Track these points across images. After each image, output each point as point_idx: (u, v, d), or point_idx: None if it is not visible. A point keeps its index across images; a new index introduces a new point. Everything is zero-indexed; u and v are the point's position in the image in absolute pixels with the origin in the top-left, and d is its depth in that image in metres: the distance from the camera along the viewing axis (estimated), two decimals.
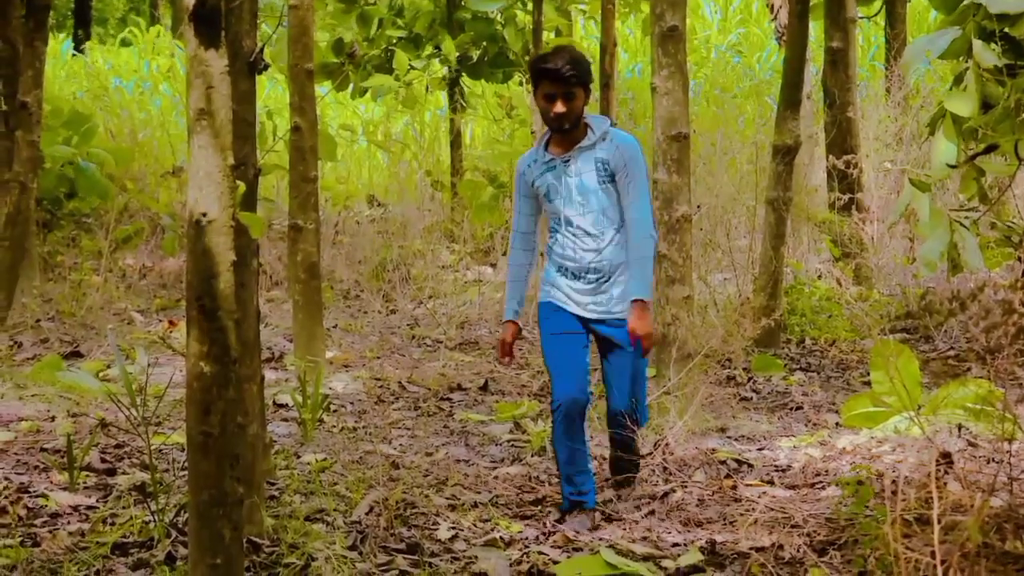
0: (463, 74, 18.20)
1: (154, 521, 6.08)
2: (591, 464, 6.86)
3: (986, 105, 8.02)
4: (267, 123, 9.34)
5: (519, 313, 7.00)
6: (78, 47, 30.52)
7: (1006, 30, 8.07)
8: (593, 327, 6.83)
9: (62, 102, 17.54)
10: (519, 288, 7.01)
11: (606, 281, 6.76)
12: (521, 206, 6.95)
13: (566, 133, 6.71)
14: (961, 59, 8.32)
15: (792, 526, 6.49)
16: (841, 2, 14.02)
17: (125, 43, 31.70)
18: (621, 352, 6.84)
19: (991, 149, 7.68)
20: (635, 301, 6.64)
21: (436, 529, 6.60)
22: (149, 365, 8.21)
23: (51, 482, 7.15)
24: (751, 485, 7.49)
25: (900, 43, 16.40)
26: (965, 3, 8.33)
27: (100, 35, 36.42)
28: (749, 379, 10.39)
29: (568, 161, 6.71)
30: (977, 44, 8.00)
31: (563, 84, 6.56)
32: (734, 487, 7.44)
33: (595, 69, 12.06)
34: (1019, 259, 8.40)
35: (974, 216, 8.14)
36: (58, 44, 28.21)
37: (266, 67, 5.85)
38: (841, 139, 14.18)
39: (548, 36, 15.94)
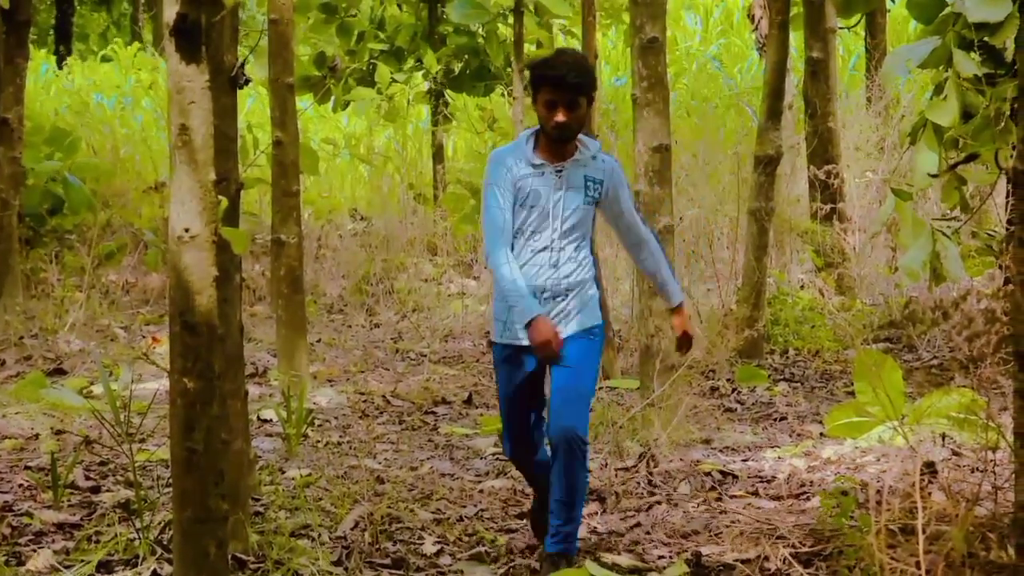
0: (445, 87, 18.21)
1: (139, 539, 6.06)
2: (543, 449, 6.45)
3: (966, 114, 8.05)
4: (248, 137, 9.34)
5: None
6: (60, 64, 30.48)
7: (985, 39, 8.10)
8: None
9: (43, 119, 17.52)
10: (526, 286, 6.10)
11: (563, 300, 6.16)
12: (506, 202, 6.15)
13: (564, 143, 6.14)
14: (941, 68, 8.34)
15: (777, 537, 6.49)
16: (821, 12, 14.05)
17: (106, 59, 31.66)
18: (575, 344, 6.16)
19: (972, 158, 7.70)
20: (680, 307, 6.52)
21: (421, 544, 6.60)
22: (132, 381, 8.21)
23: (35, 500, 7.13)
24: (736, 496, 7.50)
25: (880, 53, 16.43)
26: (944, 13, 8.36)
27: (81, 51, 36.36)
28: (733, 390, 10.40)
29: (560, 172, 6.13)
30: (957, 53, 8.03)
31: (567, 92, 6.02)
32: (719, 499, 7.44)
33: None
34: (1000, 267, 8.42)
35: (956, 225, 8.16)
36: (39, 60, 28.15)
37: (247, 82, 5.85)
38: (822, 149, 14.21)
39: (529, 49, 15.95)
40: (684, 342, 6.59)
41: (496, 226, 6.13)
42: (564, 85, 6.01)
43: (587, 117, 6.23)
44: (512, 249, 6.10)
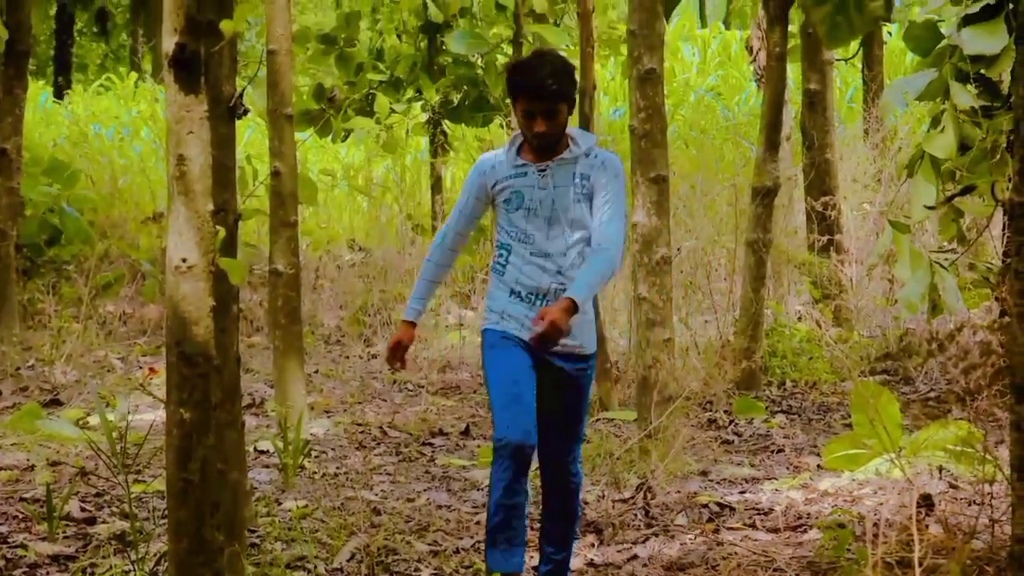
0: (444, 118, 18.24)
1: (134, 570, 6.05)
2: (526, 533, 5.92)
3: (963, 147, 8.07)
4: (248, 168, 9.34)
5: (421, 315, 6.25)
6: (58, 94, 30.54)
7: (982, 71, 8.12)
8: (545, 360, 5.93)
9: (42, 149, 17.54)
10: (429, 289, 6.26)
11: None
12: (467, 207, 6.10)
13: (546, 149, 5.91)
14: (938, 101, 8.37)
15: (774, 570, 6.48)
16: (818, 45, 14.07)
17: (105, 89, 31.72)
18: (570, 392, 6.01)
19: (968, 190, 7.72)
20: (568, 299, 5.66)
21: (418, 575, 6.58)
22: (129, 412, 8.20)
23: (30, 532, 7.11)
24: (733, 529, 7.48)
25: (877, 85, 16.48)
26: (941, 45, 8.39)
27: (81, 82, 36.44)
28: (730, 422, 10.39)
29: (544, 171, 5.90)
30: (954, 86, 8.05)
31: (545, 101, 5.76)
32: (716, 531, 7.43)
33: (575, 113, 12.07)
34: (997, 300, 8.42)
35: (953, 257, 8.17)
36: (38, 91, 28.21)
37: (246, 112, 5.85)
38: (820, 181, 14.23)
39: None
40: (540, 325, 5.65)
41: (448, 226, 6.20)
42: (542, 94, 5.77)
43: (568, 120, 5.96)
44: (511, 254, 5.94)
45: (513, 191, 5.94)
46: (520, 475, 5.74)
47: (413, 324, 6.24)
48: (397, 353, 6.18)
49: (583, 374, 6.04)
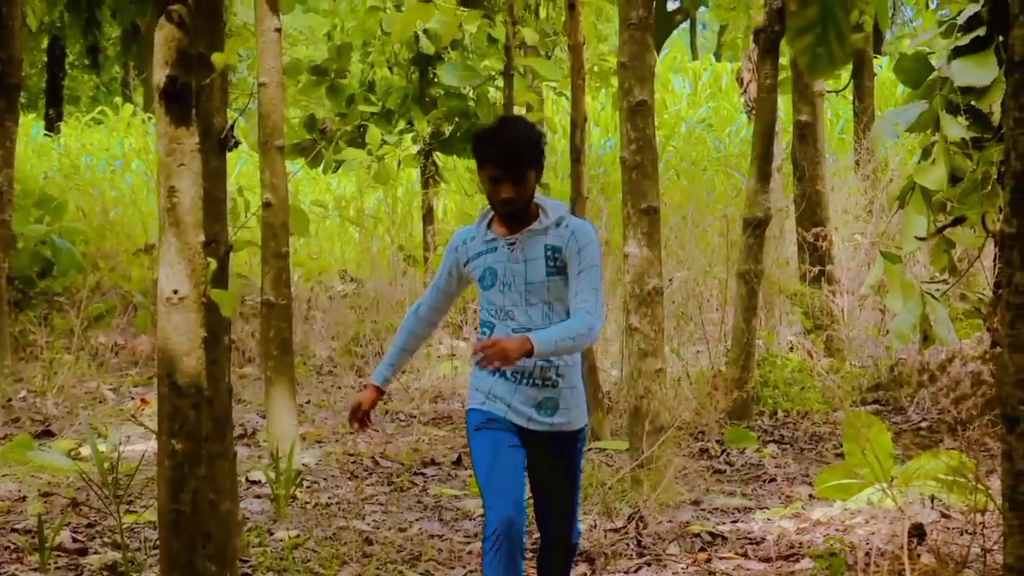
0: (435, 149, 18.28)
1: None
2: None
3: (954, 178, 8.09)
4: (239, 200, 9.34)
5: (388, 381, 5.94)
6: (50, 126, 30.57)
7: (972, 103, 8.15)
8: (535, 441, 5.66)
9: (33, 182, 17.56)
10: (401, 357, 6.00)
11: (552, 387, 5.62)
12: (442, 283, 5.88)
13: (514, 218, 5.65)
14: (929, 132, 8.40)
15: None
16: None
17: (97, 122, 31.76)
18: (560, 465, 5.74)
19: (959, 221, 7.74)
20: (526, 336, 5.41)
21: None
22: (120, 443, 8.19)
23: (22, 563, 7.10)
24: (725, 558, 7.48)
25: (868, 117, 16.55)
26: (932, 77, 8.43)
27: (73, 114, 36.48)
28: (722, 451, 10.39)
29: (514, 244, 5.63)
30: (944, 117, 8.09)
31: (511, 167, 5.53)
32: (708, 560, 7.42)
33: (565, 144, 12.13)
34: (988, 330, 8.44)
35: (944, 288, 8.19)
36: (30, 123, 28.25)
37: (236, 144, 5.87)
38: (811, 212, 14.27)
39: (519, 111, 16.02)
40: (489, 347, 5.40)
41: (424, 298, 5.98)
42: (508, 160, 5.54)
43: (535, 187, 5.68)
44: (493, 331, 5.62)
45: (486, 268, 5.69)
46: (512, 560, 5.48)
47: (379, 389, 5.90)
48: (356, 414, 5.86)
49: (574, 449, 5.77)
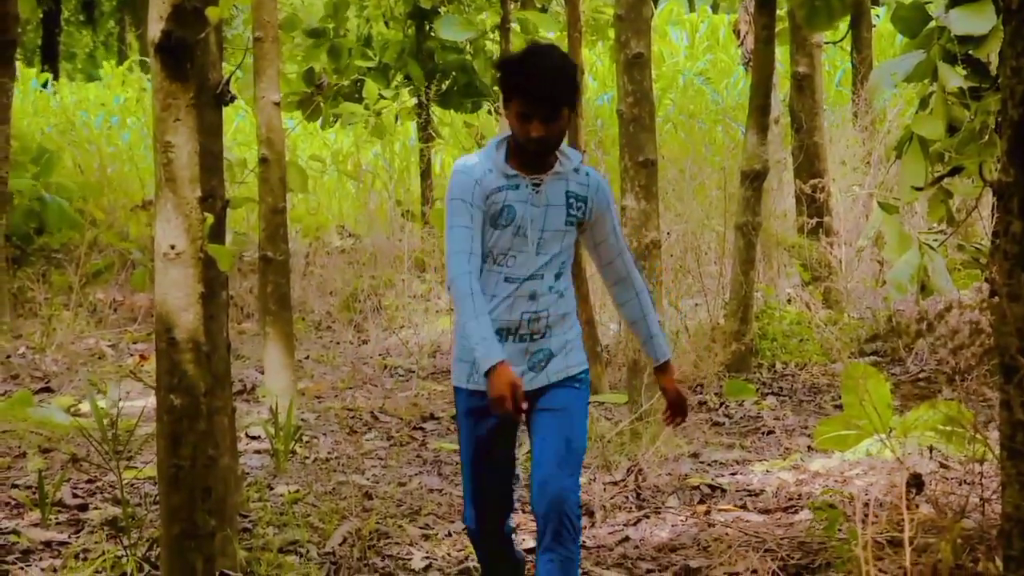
0: (433, 103, 18.25)
1: (127, 556, 6.06)
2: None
3: (952, 128, 8.07)
4: (238, 155, 9.33)
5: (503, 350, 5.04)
6: (45, 83, 30.52)
7: (970, 52, 8.12)
8: (529, 395, 5.12)
9: (30, 138, 17.51)
10: (490, 322, 5.05)
11: (541, 338, 5.16)
12: (474, 221, 5.08)
13: (541, 157, 5.14)
14: (926, 82, 8.37)
15: (766, 550, 6.49)
16: None
17: (93, 78, 31.68)
18: (566, 413, 5.21)
19: (957, 171, 7.72)
20: (668, 365, 5.39)
21: (410, 559, 6.60)
22: (120, 399, 8.20)
23: (22, 519, 7.12)
24: (724, 510, 7.50)
25: (866, 68, 16.46)
26: (929, 27, 8.39)
27: (69, 71, 36.39)
28: (721, 404, 10.40)
29: (539, 186, 5.11)
30: (942, 67, 8.06)
31: (543, 105, 4.98)
32: (707, 512, 7.44)
33: None
34: (986, 280, 8.44)
35: (942, 238, 8.18)
36: (27, 79, 28.18)
37: (232, 99, 5.86)
38: (809, 164, 14.25)
39: None
40: (678, 407, 5.48)
41: (463, 249, 5.05)
42: (540, 95, 4.99)
43: (569, 126, 5.23)
44: (480, 275, 5.07)
45: (505, 204, 5.09)
46: (499, 551, 5.30)
47: (505, 362, 4.98)
48: (520, 395, 4.95)
49: (575, 394, 5.25)
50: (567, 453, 5.13)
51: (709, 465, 8.62)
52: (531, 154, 5.08)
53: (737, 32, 18.81)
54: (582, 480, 7.50)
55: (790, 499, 7.60)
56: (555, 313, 5.16)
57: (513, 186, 5.10)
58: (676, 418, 5.51)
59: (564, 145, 5.20)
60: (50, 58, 34.21)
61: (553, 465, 5.10)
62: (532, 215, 5.10)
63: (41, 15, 34.35)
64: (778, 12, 12.14)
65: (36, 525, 6.94)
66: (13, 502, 7.46)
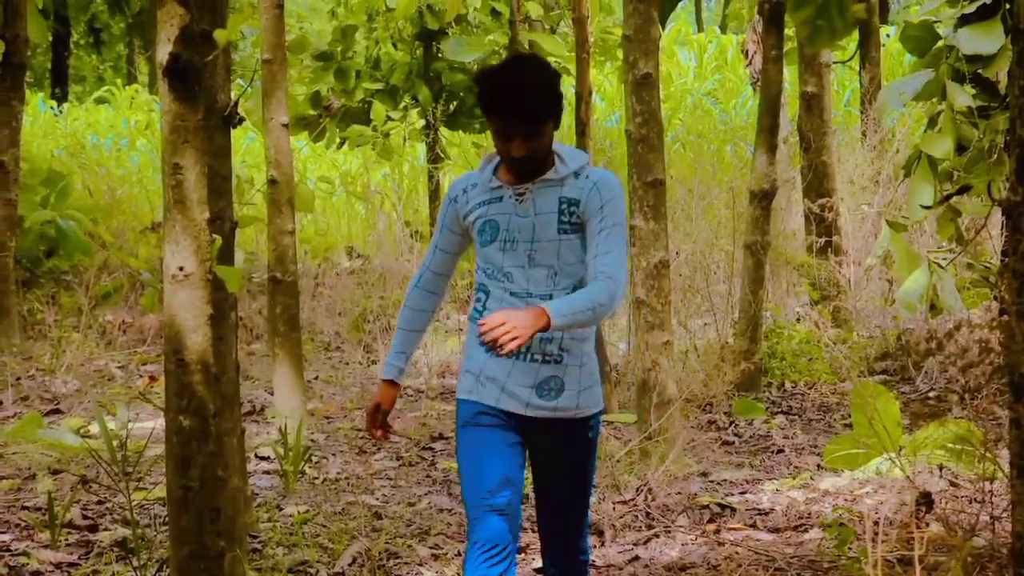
0: (441, 124, 18.27)
1: None
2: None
3: (960, 147, 8.07)
4: (246, 176, 9.35)
5: (403, 372, 5.05)
6: (55, 105, 30.60)
7: (979, 71, 8.13)
8: (536, 430, 4.87)
9: (40, 161, 17.56)
10: (409, 339, 5.04)
11: (555, 363, 4.81)
12: (442, 241, 4.97)
13: (526, 173, 4.81)
14: (935, 101, 8.38)
15: (776, 569, 6.49)
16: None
17: (102, 101, 31.77)
18: (569, 457, 4.93)
19: (965, 190, 7.72)
20: (540, 307, 4.54)
21: None
22: (129, 421, 8.21)
23: (32, 540, 7.13)
24: (734, 529, 7.49)
25: (875, 87, 16.50)
26: (938, 46, 8.40)
27: (78, 93, 36.49)
28: (730, 423, 10.40)
29: (523, 195, 4.78)
30: (951, 86, 8.06)
31: (523, 122, 4.65)
32: (717, 531, 7.43)
33: (571, 118, 12.15)
34: (995, 298, 8.43)
35: (951, 257, 8.18)
36: (35, 103, 28.27)
37: (241, 120, 5.86)
38: (817, 183, 14.25)
39: None
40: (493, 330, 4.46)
41: (423, 264, 5.03)
42: (519, 113, 4.63)
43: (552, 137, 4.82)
44: (488, 298, 4.83)
45: (486, 219, 4.82)
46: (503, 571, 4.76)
47: (394, 383, 5.04)
48: (376, 419, 5.09)
49: (584, 441, 4.94)
50: (578, 516, 4.99)
51: (719, 484, 8.61)
52: (518, 173, 4.80)
53: (745, 52, 18.84)
54: (592, 500, 7.51)
55: (800, 518, 7.58)
56: (569, 336, 4.81)
57: (496, 198, 4.83)
58: (487, 335, 4.48)
59: (566, 147, 4.89)
60: (60, 81, 34.30)
61: (562, 525, 4.98)
62: (518, 226, 4.78)
63: (51, 38, 34.48)
64: (786, 32, 12.15)
65: (46, 546, 6.95)
66: (23, 523, 7.46)
